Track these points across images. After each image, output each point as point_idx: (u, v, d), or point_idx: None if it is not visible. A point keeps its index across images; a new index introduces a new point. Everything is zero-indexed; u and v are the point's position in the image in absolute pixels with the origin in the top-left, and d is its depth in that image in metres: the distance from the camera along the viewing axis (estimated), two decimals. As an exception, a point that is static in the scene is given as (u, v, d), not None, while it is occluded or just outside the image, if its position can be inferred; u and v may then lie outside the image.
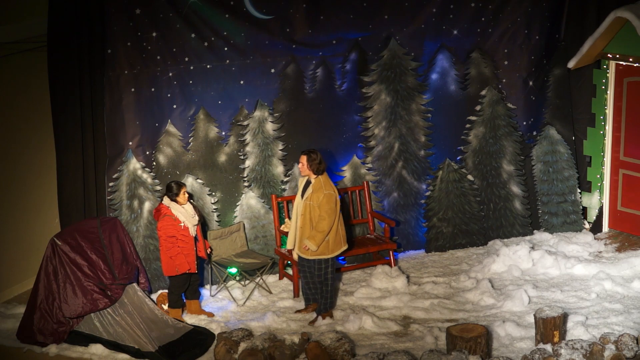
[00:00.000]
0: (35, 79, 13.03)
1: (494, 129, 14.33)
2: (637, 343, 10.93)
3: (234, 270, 12.91)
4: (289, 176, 13.73)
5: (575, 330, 11.57)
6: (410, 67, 14.00)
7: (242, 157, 13.58)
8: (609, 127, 14.31)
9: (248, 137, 13.51)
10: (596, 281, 13.03)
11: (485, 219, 14.50)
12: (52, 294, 11.90)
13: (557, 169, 14.58)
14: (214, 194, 13.47)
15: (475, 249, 14.39)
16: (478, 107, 14.31)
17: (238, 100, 13.44)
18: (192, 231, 12.28)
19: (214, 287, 13.24)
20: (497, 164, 14.42)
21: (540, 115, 14.58)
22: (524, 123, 14.49)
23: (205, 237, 12.82)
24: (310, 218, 11.99)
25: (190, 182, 13.21)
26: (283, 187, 13.70)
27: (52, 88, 12.60)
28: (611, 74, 14.13)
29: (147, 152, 13.08)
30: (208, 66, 13.17)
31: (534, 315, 11.34)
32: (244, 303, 12.92)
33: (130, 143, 12.95)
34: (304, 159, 12.05)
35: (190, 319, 12.42)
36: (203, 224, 12.84)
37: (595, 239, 14.34)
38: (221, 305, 12.86)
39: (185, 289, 12.45)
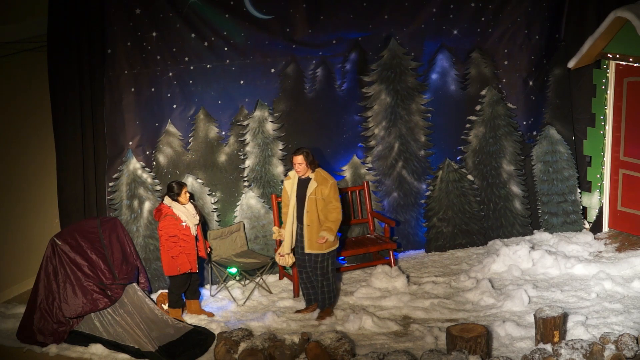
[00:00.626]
0: (35, 79, 13.03)
1: (494, 129, 14.33)
2: (637, 343, 10.93)
3: (234, 270, 12.91)
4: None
5: (575, 330, 11.57)
6: (410, 67, 14.00)
7: (242, 157, 13.58)
8: (609, 127, 14.31)
9: (248, 137, 13.51)
10: (596, 281, 13.03)
11: (485, 219, 14.50)
12: (52, 293, 11.90)
13: (557, 168, 14.58)
14: (214, 193, 13.47)
15: (475, 249, 14.39)
16: (478, 107, 14.31)
17: (238, 100, 13.44)
18: (193, 231, 12.28)
19: (214, 287, 13.24)
20: (497, 164, 14.42)
21: (540, 115, 14.58)
22: (524, 123, 14.49)
23: (205, 237, 12.83)
24: (318, 212, 12.01)
25: (190, 182, 13.21)
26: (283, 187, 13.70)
27: (52, 88, 12.60)
28: (611, 74, 14.13)
29: (147, 152, 13.08)
30: (208, 66, 13.17)
31: (534, 315, 11.34)
32: (244, 303, 12.92)
33: (130, 143, 12.95)
34: (300, 158, 12.05)
35: (190, 319, 12.43)
36: (203, 224, 12.84)
37: (595, 238, 14.34)
38: (221, 305, 12.86)
39: (186, 289, 12.45)
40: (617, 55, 13.86)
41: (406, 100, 14.04)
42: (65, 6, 12.35)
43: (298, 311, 12.57)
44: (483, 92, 14.29)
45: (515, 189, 14.50)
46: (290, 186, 12.25)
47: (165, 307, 12.52)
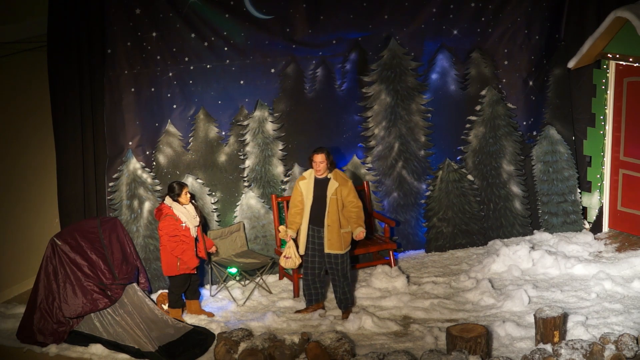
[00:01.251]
0: (35, 79, 13.03)
1: (494, 129, 14.33)
2: (637, 343, 10.93)
3: (234, 270, 12.91)
4: (289, 176, 13.73)
5: (575, 330, 11.57)
6: (410, 67, 14.00)
7: (242, 157, 13.58)
8: (609, 127, 14.31)
9: (248, 137, 13.51)
10: (596, 281, 13.03)
11: (485, 219, 14.50)
12: (52, 293, 11.90)
13: (557, 169, 14.58)
14: (214, 194, 13.48)
15: (475, 249, 14.39)
16: (478, 107, 14.31)
17: (238, 100, 13.44)
18: (193, 232, 12.28)
19: (214, 287, 13.24)
20: (497, 164, 14.42)
21: (540, 115, 14.58)
22: (524, 123, 14.49)
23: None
24: (339, 212, 12.04)
25: (190, 182, 13.21)
26: (283, 187, 13.70)
27: (52, 88, 12.60)
28: (611, 74, 14.13)
29: (147, 152, 13.08)
30: (208, 66, 13.17)
31: (534, 315, 11.34)
32: (244, 303, 12.92)
33: (130, 143, 12.95)
34: (322, 156, 12.04)
35: (190, 319, 12.42)
36: (203, 225, 12.83)
37: (595, 239, 14.34)
38: (221, 305, 12.86)
39: (186, 289, 12.45)
40: (617, 55, 13.86)
41: (406, 100, 14.04)
42: (65, 6, 12.35)
43: (298, 311, 12.58)
44: (483, 92, 14.30)
45: (515, 189, 14.50)
46: (306, 186, 12.21)
47: (165, 307, 12.52)
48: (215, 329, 12.17)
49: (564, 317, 11.38)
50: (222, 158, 13.51)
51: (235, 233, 13.35)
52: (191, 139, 13.30)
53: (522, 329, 11.80)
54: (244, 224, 13.50)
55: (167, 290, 12.68)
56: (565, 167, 14.59)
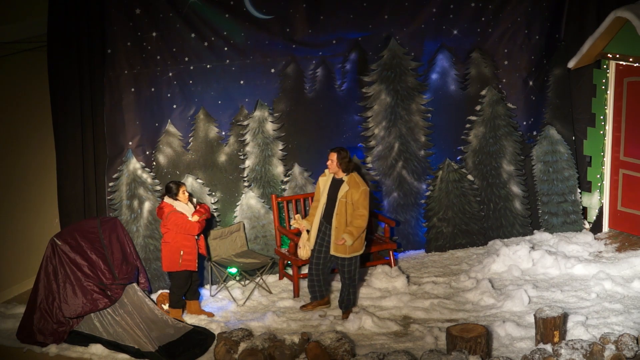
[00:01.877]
0: (35, 79, 13.03)
1: (494, 129, 14.33)
2: (637, 343, 10.93)
3: (234, 270, 12.91)
4: (289, 176, 13.73)
5: (575, 330, 11.57)
6: (410, 67, 14.00)
7: (242, 157, 13.58)
8: (609, 127, 14.31)
9: (248, 137, 13.52)
10: (596, 281, 13.03)
11: (485, 219, 14.50)
12: (52, 293, 11.90)
13: (557, 169, 14.58)
14: (214, 194, 13.48)
15: (475, 249, 14.39)
16: (478, 107, 14.31)
17: (238, 100, 13.44)
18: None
19: (214, 287, 13.24)
20: (497, 164, 14.42)
21: (540, 115, 14.58)
22: (524, 123, 14.49)
23: (206, 237, 12.84)
24: (347, 216, 12.03)
25: (190, 182, 13.21)
26: (283, 187, 13.70)
27: (52, 88, 12.60)
28: (611, 74, 14.13)
29: (147, 152, 13.08)
30: (208, 66, 13.17)
31: (534, 315, 11.34)
32: (244, 303, 12.92)
33: (130, 143, 12.95)
34: (334, 156, 12.07)
35: (190, 319, 12.43)
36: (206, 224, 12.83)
37: (595, 239, 14.34)
38: (221, 305, 12.86)
39: (187, 289, 12.46)
40: (617, 55, 13.86)
41: (406, 100, 14.04)
42: (65, 6, 12.35)
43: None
44: (483, 92, 14.29)
45: (515, 189, 14.50)
46: (323, 183, 12.27)
47: (166, 307, 12.53)
48: (215, 329, 12.17)
49: (564, 317, 11.37)
50: (222, 158, 13.51)
51: (235, 233, 13.35)
52: (191, 139, 13.30)
53: (522, 329, 11.80)
54: (244, 224, 13.50)
55: (167, 290, 12.68)
56: (565, 167, 14.59)
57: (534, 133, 14.59)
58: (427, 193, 14.32)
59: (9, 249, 13.15)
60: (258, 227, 13.60)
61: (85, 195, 12.88)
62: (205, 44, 13.08)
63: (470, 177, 14.39)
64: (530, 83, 14.38)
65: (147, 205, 13.02)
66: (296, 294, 13.01)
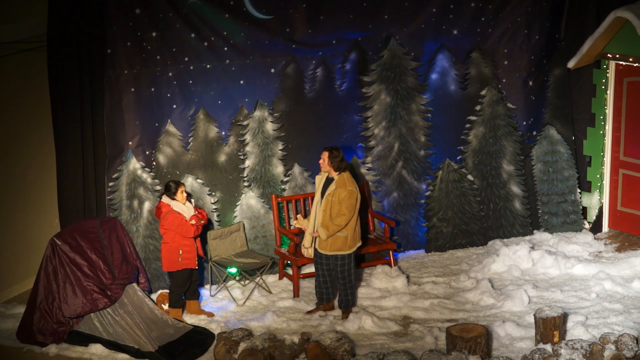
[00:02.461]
0: (35, 79, 13.03)
1: (494, 129, 14.33)
2: (637, 343, 10.93)
3: (233, 270, 12.91)
4: (289, 176, 13.73)
5: (575, 330, 11.57)
6: (410, 67, 14.00)
7: (242, 157, 13.58)
8: (609, 127, 14.31)
9: (248, 137, 13.52)
10: (596, 281, 13.03)
11: (485, 219, 14.49)
12: (52, 293, 11.90)
13: (557, 169, 14.58)
14: (214, 194, 13.48)
15: (475, 249, 14.39)
16: (478, 107, 14.31)
17: (238, 100, 13.44)
18: (193, 229, 12.36)
19: (214, 287, 13.24)
20: (497, 164, 14.42)
21: (540, 115, 14.58)
22: (524, 123, 14.49)
23: (206, 237, 12.84)
24: (330, 214, 12.04)
25: (190, 182, 13.22)
26: (283, 187, 13.70)
27: (52, 88, 12.60)
28: (611, 74, 14.13)
29: (147, 152, 13.08)
30: (208, 66, 13.17)
31: (534, 315, 11.34)
32: (244, 303, 12.92)
33: (130, 143, 12.95)
34: (325, 155, 12.09)
35: (190, 319, 12.43)
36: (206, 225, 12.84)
37: (595, 239, 14.34)
38: (221, 305, 12.86)
39: (186, 289, 12.46)
40: (617, 55, 13.86)
41: (406, 100, 14.04)
42: (65, 6, 12.35)
43: (309, 312, 12.55)
44: (483, 92, 14.30)
45: (515, 189, 14.50)
46: (319, 182, 12.32)
47: (165, 307, 12.53)
48: (215, 329, 12.17)
49: (564, 317, 11.37)
50: (222, 158, 13.51)
51: (235, 233, 13.35)
52: (191, 139, 13.30)
53: (522, 329, 11.80)
54: (243, 224, 13.50)
55: (167, 290, 12.69)
56: (565, 167, 14.59)
57: (534, 133, 14.59)
58: (427, 193, 14.32)
59: (9, 249, 13.15)
60: (258, 227, 13.60)
61: (85, 195, 12.88)
62: (205, 44, 13.08)
63: (470, 177, 14.39)
64: (530, 83, 14.38)
65: (147, 205, 13.02)
66: (296, 294, 13.01)
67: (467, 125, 14.37)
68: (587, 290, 12.86)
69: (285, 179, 13.73)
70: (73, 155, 12.77)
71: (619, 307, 12.33)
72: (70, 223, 12.64)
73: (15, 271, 13.23)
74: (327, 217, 12.10)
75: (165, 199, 12.27)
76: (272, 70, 13.49)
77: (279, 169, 13.70)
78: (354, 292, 12.64)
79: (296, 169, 13.72)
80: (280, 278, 13.52)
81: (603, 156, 14.41)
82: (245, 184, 13.60)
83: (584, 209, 14.77)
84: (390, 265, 13.49)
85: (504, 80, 14.35)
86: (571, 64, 14.20)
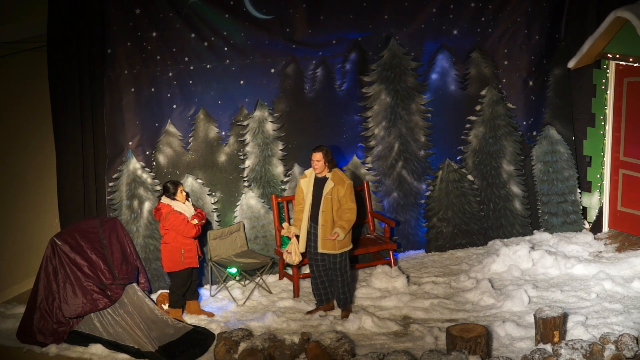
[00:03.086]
0: (35, 79, 13.03)
1: (494, 129, 14.33)
2: (637, 343, 10.93)
3: (233, 270, 12.91)
4: (289, 176, 13.73)
5: (575, 330, 11.57)
6: (410, 67, 14.00)
7: (242, 157, 13.58)
8: (609, 127, 14.31)
9: (248, 137, 13.52)
10: (596, 281, 13.03)
11: (485, 219, 14.50)
12: (52, 294, 11.90)
13: (557, 169, 14.58)
14: (214, 194, 13.48)
15: (475, 249, 14.39)
16: (478, 107, 14.31)
17: (238, 100, 13.45)
18: (193, 229, 12.36)
19: (214, 287, 13.24)
20: (497, 164, 14.42)
21: (540, 115, 14.58)
22: (524, 123, 14.49)
23: (206, 237, 12.84)
24: (333, 212, 12.03)
25: (190, 182, 13.22)
26: (283, 187, 13.71)
27: (52, 88, 12.60)
28: (611, 74, 14.13)
29: (147, 152, 13.08)
30: (208, 66, 13.17)
31: (534, 315, 11.34)
32: (244, 303, 12.92)
33: (130, 143, 12.95)
34: (319, 155, 12.06)
35: (190, 319, 12.43)
36: (205, 224, 12.83)
37: (595, 239, 14.34)
38: (221, 305, 12.86)
39: (186, 289, 12.46)
40: (617, 55, 13.86)
41: (406, 100, 14.04)
42: (65, 6, 12.35)
43: (309, 312, 12.55)
44: (483, 92, 14.30)
45: (515, 189, 14.51)
46: (306, 185, 12.26)
47: (165, 307, 12.53)
48: (215, 329, 12.17)
49: (564, 317, 11.38)
50: (222, 158, 13.51)
51: (235, 233, 13.35)
52: (191, 139, 13.30)
53: (522, 329, 11.80)
54: (244, 224, 13.50)
55: (167, 290, 12.68)
56: (565, 167, 14.59)
57: (534, 133, 14.59)
58: (427, 193, 14.32)
59: (9, 249, 13.15)
60: (258, 227, 13.60)
61: (85, 195, 12.88)
62: (205, 44, 13.08)
63: (470, 177, 14.39)
64: (530, 83, 14.38)
65: (147, 206, 13.02)
66: (296, 294, 13.01)
67: (467, 125, 14.37)
68: (587, 290, 12.86)
69: (285, 179, 13.73)
70: (73, 155, 12.77)
71: (619, 307, 12.33)
72: (70, 223, 12.64)
73: (15, 271, 13.24)
74: (329, 217, 12.08)
75: (165, 200, 12.26)
76: (272, 70, 13.49)
77: (279, 169, 13.70)
78: (352, 289, 12.62)
79: (296, 169, 13.72)
80: (280, 278, 13.52)
81: (603, 156, 14.41)
82: (245, 184, 13.60)
83: (584, 209, 14.78)
84: (390, 265, 13.49)
85: (504, 80, 14.35)
86: (571, 64, 14.20)
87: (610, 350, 10.76)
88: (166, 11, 12.82)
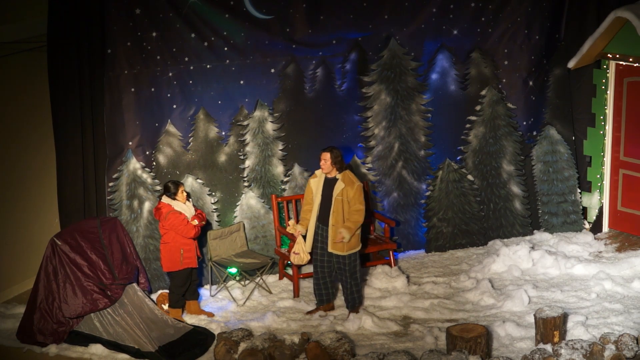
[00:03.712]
0: (35, 79, 13.03)
1: (494, 129, 14.33)
2: (637, 343, 10.93)
3: (234, 270, 12.91)
4: (289, 176, 13.73)
5: (575, 330, 11.57)
6: (410, 67, 14.00)
7: (242, 157, 13.58)
8: (609, 127, 14.31)
9: (248, 137, 13.52)
10: (596, 281, 13.03)
11: (485, 219, 14.50)
12: (52, 294, 11.90)
13: (557, 169, 14.58)
14: (214, 194, 13.48)
15: (475, 249, 14.39)
16: (478, 107, 14.31)
17: (238, 100, 13.45)
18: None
19: (214, 287, 13.24)
20: (497, 164, 14.43)
21: (540, 115, 14.59)
22: (524, 123, 14.49)
23: (205, 237, 12.84)
24: (343, 213, 12.03)
25: (190, 182, 13.22)
26: (283, 187, 13.70)
27: (52, 88, 12.60)
28: (611, 74, 14.14)
29: (147, 152, 13.08)
30: (208, 66, 13.17)
31: (534, 315, 11.34)
32: (244, 303, 12.92)
33: (130, 143, 12.95)
34: (327, 155, 12.06)
35: (190, 319, 12.43)
36: (206, 224, 12.84)
37: (595, 239, 14.34)
38: (221, 305, 12.86)
39: (186, 289, 12.46)
40: (617, 55, 13.86)
41: (406, 100, 14.04)
42: (65, 6, 12.35)
43: (309, 312, 12.55)
44: (483, 92, 14.30)
45: (515, 189, 14.51)
46: (316, 185, 12.26)
47: (165, 307, 12.53)
48: (215, 329, 12.17)
49: (564, 317, 11.38)
50: (222, 158, 13.51)
51: (235, 233, 13.35)
52: (191, 139, 13.30)
53: (522, 329, 11.80)
54: (244, 224, 13.50)
55: (167, 290, 12.69)
56: (565, 167, 14.59)
57: (534, 133, 14.59)
58: (427, 193, 14.32)
59: (9, 249, 13.15)
60: (258, 227, 13.60)
61: (85, 195, 12.88)
62: (205, 44, 13.08)
63: (470, 177, 14.39)
64: (530, 83, 14.38)
65: (147, 205, 13.02)
66: (296, 294, 13.01)
67: (467, 125, 14.37)
68: (587, 290, 12.86)
69: (285, 179, 13.73)
70: (73, 155, 12.77)
71: (619, 307, 12.33)
72: (70, 223, 12.64)
73: (15, 271, 13.24)
74: (340, 218, 12.08)
75: (165, 199, 12.27)
76: (272, 70, 13.49)
77: (279, 169, 13.70)
78: (360, 290, 12.60)
79: (296, 169, 13.72)
80: (280, 278, 13.52)
81: (603, 156, 14.41)
82: (245, 184, 13.60)
83: (584, 209, 14.78)
84: (391, 265, 13.50)
85: (504, 80, 14.36)
86: (571, 64, 14.20)
87: (610, 350, 10.76)
88: (166, 11, 12.82)
